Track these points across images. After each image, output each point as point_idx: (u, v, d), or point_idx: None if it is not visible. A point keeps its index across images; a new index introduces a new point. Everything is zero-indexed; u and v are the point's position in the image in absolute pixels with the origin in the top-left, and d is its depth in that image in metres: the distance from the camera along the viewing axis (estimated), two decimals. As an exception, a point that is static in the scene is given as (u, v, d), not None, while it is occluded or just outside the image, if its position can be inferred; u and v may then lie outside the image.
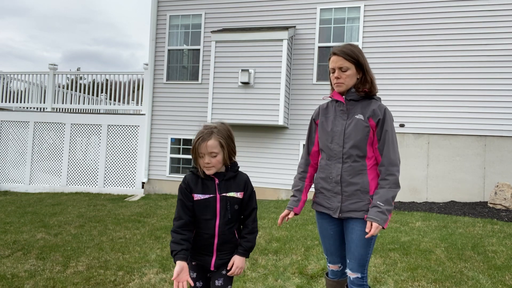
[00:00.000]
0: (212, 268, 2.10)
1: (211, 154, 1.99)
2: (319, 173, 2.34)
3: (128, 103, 11.22)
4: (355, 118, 2.19)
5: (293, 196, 2.39)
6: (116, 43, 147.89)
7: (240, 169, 2.13)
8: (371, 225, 2.07)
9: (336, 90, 2.26)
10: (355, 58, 2.19)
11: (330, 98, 2.36)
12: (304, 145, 8.76)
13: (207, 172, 2.04)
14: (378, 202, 2.08)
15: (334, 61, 2.21)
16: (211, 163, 2.00)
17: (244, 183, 2.10)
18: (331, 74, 2.27)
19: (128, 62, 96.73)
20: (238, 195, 2.07)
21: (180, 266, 1.89)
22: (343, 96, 2.26)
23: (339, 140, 2.21)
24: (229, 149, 2.04)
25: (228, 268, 2.08)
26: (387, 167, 2.14)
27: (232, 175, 2.08)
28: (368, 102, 2.23)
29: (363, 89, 2.22)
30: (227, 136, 2.04)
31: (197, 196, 2.04)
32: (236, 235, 2.12)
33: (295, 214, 2.35)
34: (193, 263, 2.15)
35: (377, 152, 2.18)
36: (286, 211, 2.35)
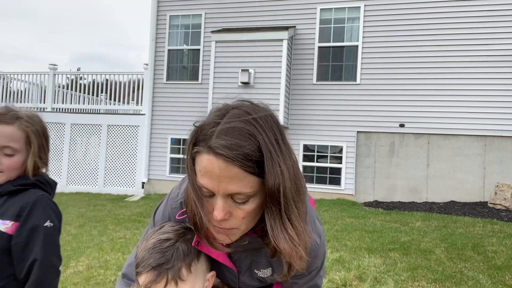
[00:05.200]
0: None
1: None
2: None
3: (128, 103, 11.22)
4: (248, 271, 1.10)
5: None
6: (122, 45, 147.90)
7: None
8: None
9: (219, 240, 0.97)
10: (258, 161, 0.85)
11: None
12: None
13: None
14: None
15: (215, 177, 0.85)
16: None
17: None
18: (204, 199, 0.91)
19: (135, 64, 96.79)
20: None
21: None
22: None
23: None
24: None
25: None
26: None
27: None
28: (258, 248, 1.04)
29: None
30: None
31: None
32: None
33: None
34: None
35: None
36: None
